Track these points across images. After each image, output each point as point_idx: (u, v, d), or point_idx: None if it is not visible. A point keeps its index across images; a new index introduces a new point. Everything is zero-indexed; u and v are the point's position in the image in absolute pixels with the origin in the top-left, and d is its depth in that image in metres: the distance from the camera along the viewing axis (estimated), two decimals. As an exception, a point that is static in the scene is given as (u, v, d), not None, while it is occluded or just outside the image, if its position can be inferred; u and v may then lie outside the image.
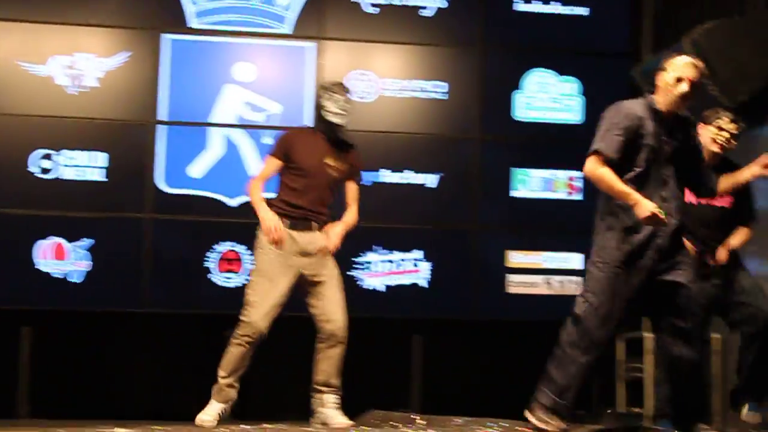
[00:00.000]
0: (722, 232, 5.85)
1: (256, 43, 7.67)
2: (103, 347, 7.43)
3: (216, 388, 5.82)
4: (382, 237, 7.55)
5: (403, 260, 7.60)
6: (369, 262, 7.55)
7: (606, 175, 5.05)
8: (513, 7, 7.96)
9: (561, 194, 7.83)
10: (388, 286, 7.57)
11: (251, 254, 7.35)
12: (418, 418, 5.61)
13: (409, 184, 7.67)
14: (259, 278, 5.84)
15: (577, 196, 7.83)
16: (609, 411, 7.27)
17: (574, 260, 7.76)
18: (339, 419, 5.73)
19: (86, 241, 7.26)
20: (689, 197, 5.61)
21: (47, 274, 7.22)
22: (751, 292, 5.80)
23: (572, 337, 5.14)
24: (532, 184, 7.81)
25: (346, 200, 5.99)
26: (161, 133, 7.48)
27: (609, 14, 8.05)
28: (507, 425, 5.14)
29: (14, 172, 7.22)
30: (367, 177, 7.54)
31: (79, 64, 7.45)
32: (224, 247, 7.44)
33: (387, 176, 7.68)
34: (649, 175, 5.25)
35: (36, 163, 7.27)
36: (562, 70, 7.97)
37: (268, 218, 5.80)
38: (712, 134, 5.88)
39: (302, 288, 5.86)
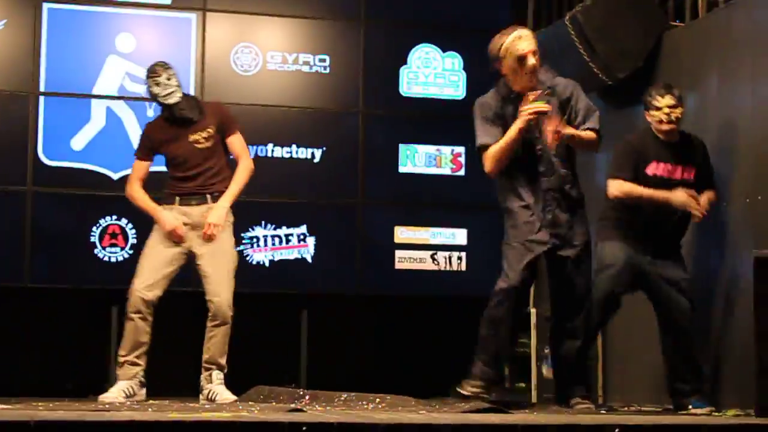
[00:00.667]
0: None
1: (138, 13, 7.57)
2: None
3: (118, 366, 5.85)
4: (268, 212, 7.53)
5: (289, 235, 7.61)
6: (256, 237, 7.54)
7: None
8: (396, -20, 8.00)
9: (446, 170, 7.91)
10: (273, 261, 7.57)
11: (134, 229, 7.32)
12: (303, 392, 5.64)
13: (294, 159, 7.66)
14: (146, 250, 5.94)
15: (461, 172, 7.92)
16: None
17: (460, 236, 7.87)
18: (224, 395, 5.79)
19: (-36, 216, 7.13)
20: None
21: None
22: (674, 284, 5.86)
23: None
24: (418, 159, 7.86)
25: (235, 158, 6.08)
26: (42, 105, 7.35)
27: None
28: (391, 400, 5.19)
29: None
30: (253, 151, 7.53)
31: (-45, 33, 7.29)
32: (108, 221, 7.35)
33: (273, 150, 7.66)
34: (525, 154, 5.39)
35: None
36: (444, 46, 8.03)
37: (167, 221, 5.87)
38: (655, 118, 5.91)
39: (193, 265, 5.92)
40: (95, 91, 7.44)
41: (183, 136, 5.94)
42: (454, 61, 8.02)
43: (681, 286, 5.82)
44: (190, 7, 7.63)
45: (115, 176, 7.37)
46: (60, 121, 7.37)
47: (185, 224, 5.88)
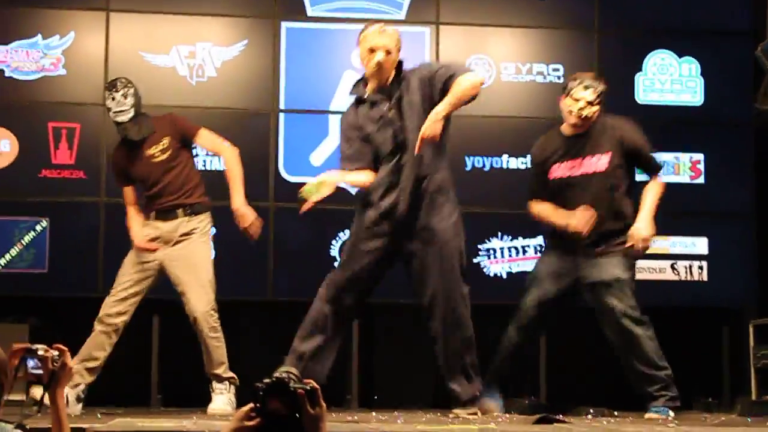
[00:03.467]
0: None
1: (373, 29, 7.67)
2: (228, 336, 7.49)
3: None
4: (504, 223, 7.51)
5: (526, 246, 7.57)
6: (493, 249, 7.53)
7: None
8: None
9: (684, 178, 7.73)
10: (510, 273, 7.54)
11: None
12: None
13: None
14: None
15: (700, 180, 7.73)
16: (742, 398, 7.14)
17: (701, 245, 7.68)
18: (214, 405, 6.00)
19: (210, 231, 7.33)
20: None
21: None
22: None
23: None
24: (656, 167, 7.70)
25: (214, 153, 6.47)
26: (282, 122, 7.53)
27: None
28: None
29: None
30: (489, 162, 7.55)
31: (199, 54, 7.53)
32: (347, 234, 7.45)
33: (508, 161, 7.64)
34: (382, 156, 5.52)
35: (160, 153, 7.37)
36: (681, 52, 7.86)
37: (135, 237, 6.14)
38: (567, 107, 5.80)
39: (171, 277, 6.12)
40: (333, 107, 7.57)
41: (140, 153, 6.09)
42: (691, 66, 7.85)
43: (612, 286, 5.67)
44: (423, 21, 7.70)
45: (353, 190, 7.47)
46: (300, 137, 7.54)
47: (155, 238, 6.08)
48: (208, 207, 6.26)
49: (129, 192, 6.25)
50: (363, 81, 5.69)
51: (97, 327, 6.03)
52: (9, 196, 7.20)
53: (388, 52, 5.54)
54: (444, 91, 5.42)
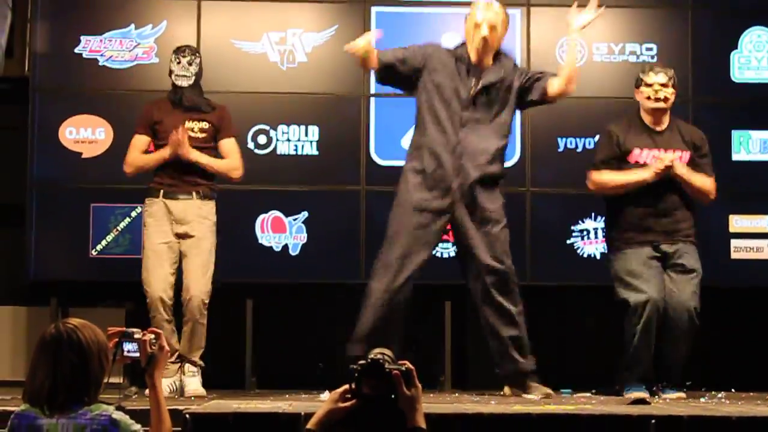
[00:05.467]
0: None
1: (462, 12, 7.58)
2: (322, 318, 7.54)
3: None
4: (598, 204, 7.42)
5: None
6: (586, 230, 7.46)
7: None
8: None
9: (784, 156, 7.61)
10: (604, 254, 7.45)
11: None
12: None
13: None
14: (145, 255, 6.19)
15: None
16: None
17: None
18: (192, 386, 6.03)
19: (303, 214, 7.37)
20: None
21: (268, 247, 7.38)
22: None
23: None
24: (752, 146, 7.57)
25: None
26: (373, 106, 7.54)
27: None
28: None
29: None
30: (582, 143, 7.49)
31: (290, 40, 7.56)
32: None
33: (601, 142, 7.56)
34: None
35: (253, 139, 7.43)
36: (778, 28, 7.72)
37: (168, 150, 6.13)
38: (644, 94, 5.96)
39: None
40: (423, 91, 7.55)
41: (180, 120, 6.13)
42: (789, 43, 7.70)
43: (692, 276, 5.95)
44: (514, 3, 7.64)
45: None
46: (390, 121, 7.54)
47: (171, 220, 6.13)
48: (215, 195, 6.33)
49: (144, 142, 6.33)
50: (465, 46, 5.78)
51: (156, 317, 6.10)
52: (105, 183, 7.30)
53: (493, 28, 5.58)
54: (527, 87, 5.79)
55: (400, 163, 7.41)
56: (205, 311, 6.12)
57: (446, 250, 7.35)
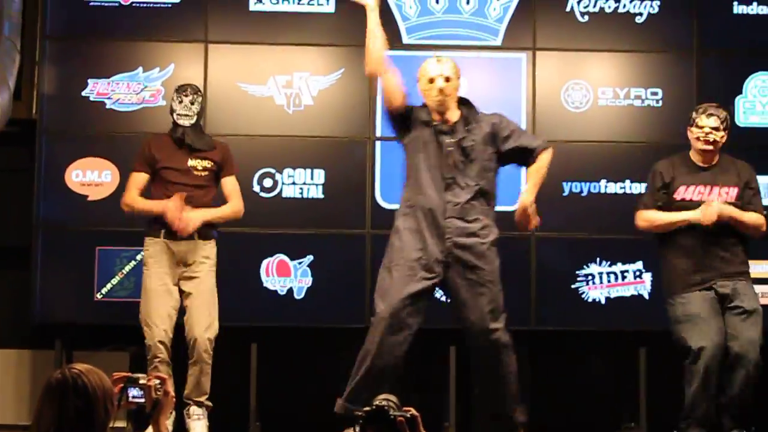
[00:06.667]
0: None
1: (469, 56, 7.64)
2: (326, 363, 7.51)
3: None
4: (603, 248, 7.43)
5: (625, 271, 7.48)
6: (591, 274, 7.45)
7: None
8: (732, 9, 7.75)
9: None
10: (609, 298, 7.45)
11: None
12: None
13: (628, 194, 7.51)
14: (146, 296, 6.15)
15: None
16: None
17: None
18: (198, 431, 6.03)
19: (308, 258, 7.37)
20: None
21: (273, 291, 7.36)
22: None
23: None
24: (758, 191, 7.56)
25: (226, 197, 6.34)
26: (379, 149, 7.55)
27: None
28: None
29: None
30: (586, 188, 7.49)
31: (296, 83, 7.58)
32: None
33: (606, 186, 7.56)
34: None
35: (259, 182, 7.43)
36: (782, 73, 7.74)
37: (170, 206, 6.09)
38: (694, 134, 5.97)
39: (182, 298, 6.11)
40: (429, 134, 7.56)
41: (182, 159, 6.15)
42: (793, 88, 7.72)
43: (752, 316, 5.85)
44: (520, 47, 7.67)
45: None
46: (396, 164, 7.51)
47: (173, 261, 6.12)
48: (216, 234, 6.35)
49: (142, 179, 6.32)
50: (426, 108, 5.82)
51: (156, 362, 6.10)
52: (110, 226, 7.30)
53: (447, 79, 5.63)
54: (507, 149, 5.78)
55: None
56: (211, 352, 6.11)
57: (451, 294, 7.34)
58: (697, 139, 6.01)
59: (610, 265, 7.47)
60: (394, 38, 7.59)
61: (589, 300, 7.41)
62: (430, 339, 7.30)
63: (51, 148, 7.45)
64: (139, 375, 3.45)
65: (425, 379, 7.41)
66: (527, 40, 7.68)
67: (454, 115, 5.78)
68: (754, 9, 7.75)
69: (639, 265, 7.46)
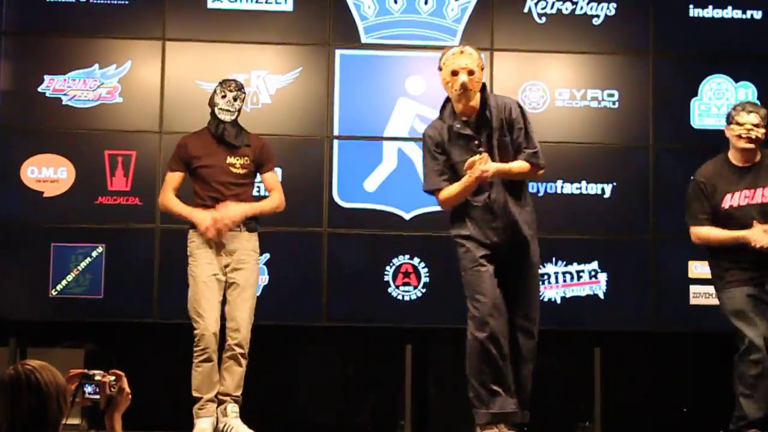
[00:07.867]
0: None
1: (427, 56, 7.65)
2: (285, 361, 7.51)
3: (197, 407, 6.00)
4: (559, 248, 7.48)
5: (581, 271, 7.53)
6: (547, 274, 7.49)
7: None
8: (688, 12, 7.81)
9: (741, 203, 7.66)
10: (565, 298, 7.50)
11: (426, 267, 7.41)
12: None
13: (584, 195, 7.58)
14: (196, 287, 6.04)
15: (757, 204, 7.65)
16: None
17: None
18: (241, 429, 5.91)
19: (264, 256, 7.35)
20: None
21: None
22: None
23: None
24: (713, 193, 7.63)
25: (267, 191, 6.33)
26: (336, 148, 7.55)
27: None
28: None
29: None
30: (542, 188, 7.53)
31: (254, 81, 7.57)
32: (401, 260, 7.46)
33: (563, 187, 7.60)
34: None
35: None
36: (737, 76, 7.79)
37: (202, 218, 6.03)
38: (734, 132, 5.85)
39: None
40: (386, 134, 7.58)
41: (221, 156, 6.11)
42: (747, 91, 7.77)
43: None
44: (478, 47, 7.66)
45: (407, 216, 7.49)
46: (353, 163, 7.56)
47: (219, 252, 6.06)
48: (258, 227, 6.30)
49: (178, 178, 6.25)
50: (450, 103, 5.64)
51: (206, 354, 5.99)
52: (66, 222, 7.27)
53: (470, 72, 5.48)
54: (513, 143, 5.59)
55: (363, 205, 7.47)
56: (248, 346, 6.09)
57: (407, 293, 7.37)
58: (739, 136, 5.84)
59: (565, 265, 7.51)
60: (351, 38, 7.63)
61: (545, 299, 7.45)
62: (386, 337, 7.35)
63: (6, 144, 7.41)
64: (96, 371, 3.44)
65: (381, 377, 7.42)
66: (485, 40, 7.70)
67: (475, 104, 5.54)
68: (709, 12, 7.81)
69: (594, 265, 7.51)
